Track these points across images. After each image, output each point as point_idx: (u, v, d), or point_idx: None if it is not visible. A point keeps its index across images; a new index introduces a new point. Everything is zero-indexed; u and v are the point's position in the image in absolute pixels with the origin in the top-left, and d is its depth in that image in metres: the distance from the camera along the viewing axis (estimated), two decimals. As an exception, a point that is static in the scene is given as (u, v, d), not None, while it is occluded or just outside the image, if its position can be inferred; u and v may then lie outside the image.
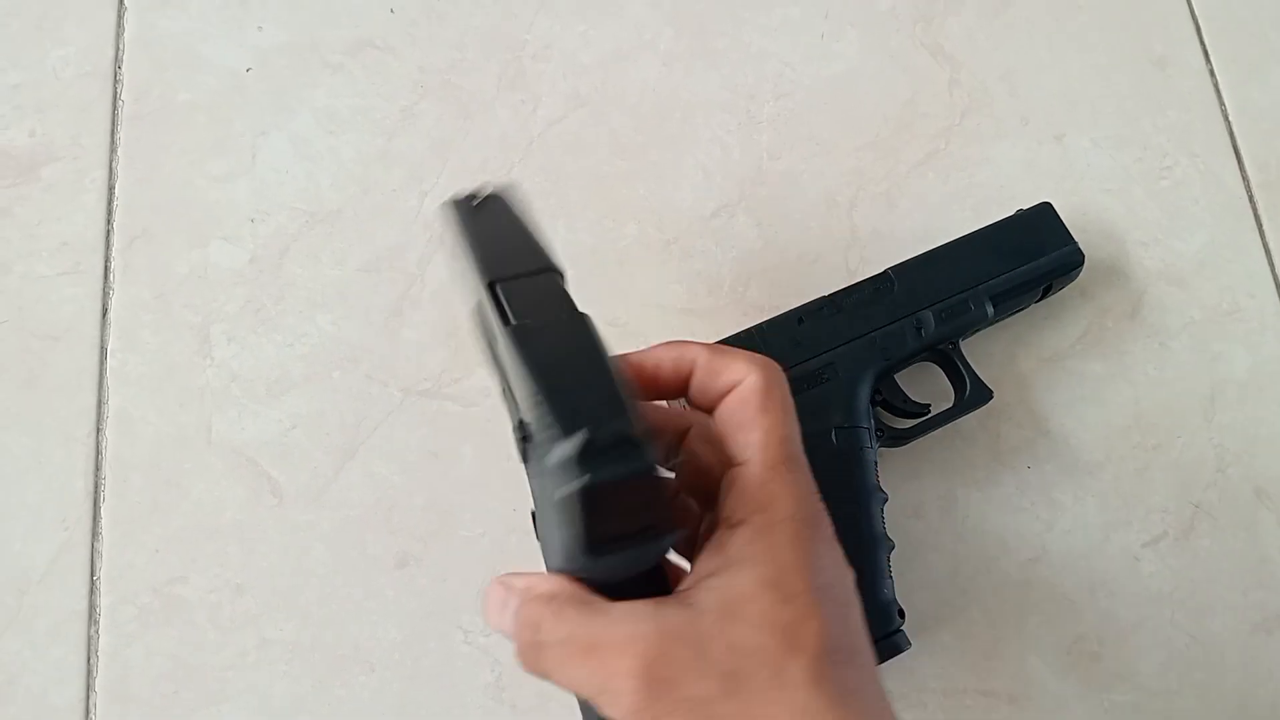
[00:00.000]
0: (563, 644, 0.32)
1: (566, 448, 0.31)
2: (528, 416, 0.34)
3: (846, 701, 0.31)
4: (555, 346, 0.34)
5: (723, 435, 0.36)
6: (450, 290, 0.59)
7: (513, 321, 0.35)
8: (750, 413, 0.35)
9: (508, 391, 0.37)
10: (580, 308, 0.37)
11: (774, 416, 0.35)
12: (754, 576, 0.32)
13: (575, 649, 0.32)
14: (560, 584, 0.33)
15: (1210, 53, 0.68)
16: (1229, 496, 0.58)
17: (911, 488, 0.57)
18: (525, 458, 0.36)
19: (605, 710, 0.31)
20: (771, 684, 0.31)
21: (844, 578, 0.35)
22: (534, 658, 0.33)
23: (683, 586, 0.34)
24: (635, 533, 0.32)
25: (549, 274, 0.38)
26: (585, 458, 0.31)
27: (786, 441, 0.35)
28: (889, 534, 0.53)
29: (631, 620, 0.32)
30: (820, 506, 0.35)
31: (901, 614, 0.51)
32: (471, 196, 0.41)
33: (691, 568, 0.35)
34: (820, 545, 0.34)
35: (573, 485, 0.30)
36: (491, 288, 0.37)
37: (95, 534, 0.54)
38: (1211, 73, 0.67)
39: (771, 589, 0.32)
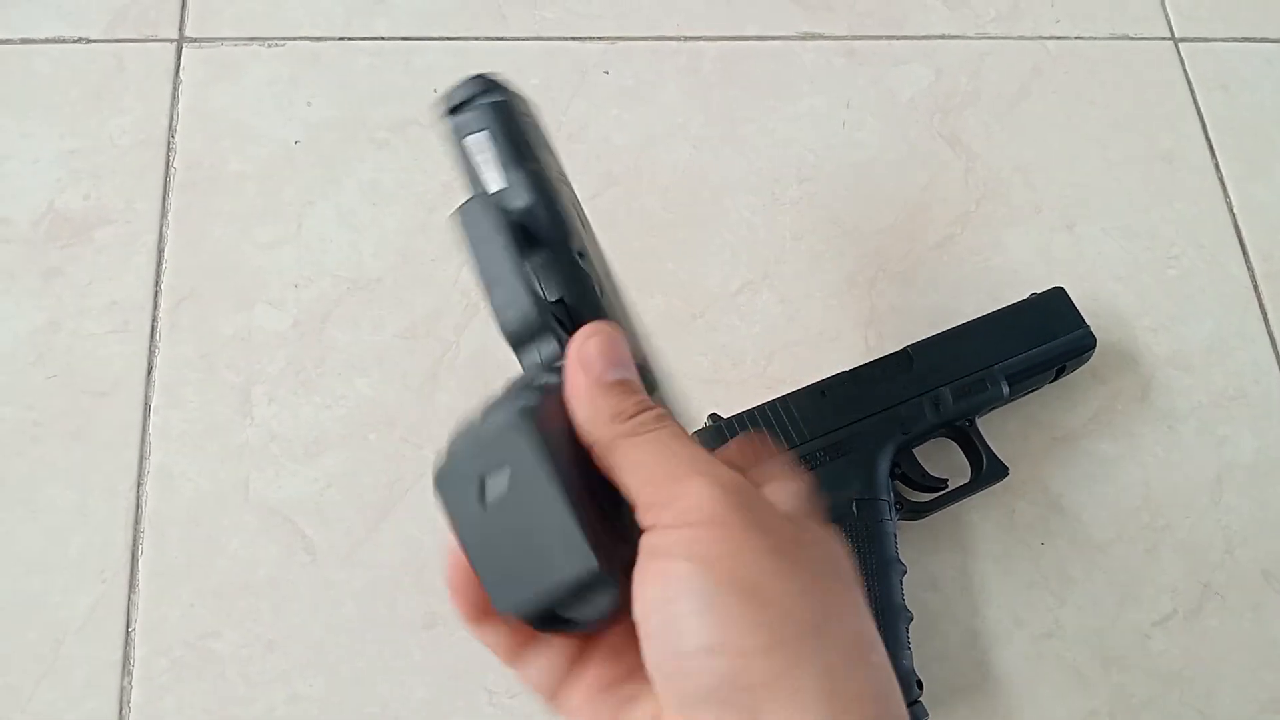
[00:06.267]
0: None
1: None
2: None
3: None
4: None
5: None
6: (484, 357, 0.61)
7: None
8: None
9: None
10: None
11: None
12: None
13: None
14: None
15: (1215, 149, 0.71)
16: (1237, 578, 0.60)
17: (928, 561, 0.59)
18: None
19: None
20: None
21: None
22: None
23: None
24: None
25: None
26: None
27: None
28: (907, 605, 0.54)
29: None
30: None
31: (920, 685, 0.53)
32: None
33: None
34: None
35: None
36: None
37: (132, 587, 0.55)
38: (1217, 168, 0.70)
39: None
